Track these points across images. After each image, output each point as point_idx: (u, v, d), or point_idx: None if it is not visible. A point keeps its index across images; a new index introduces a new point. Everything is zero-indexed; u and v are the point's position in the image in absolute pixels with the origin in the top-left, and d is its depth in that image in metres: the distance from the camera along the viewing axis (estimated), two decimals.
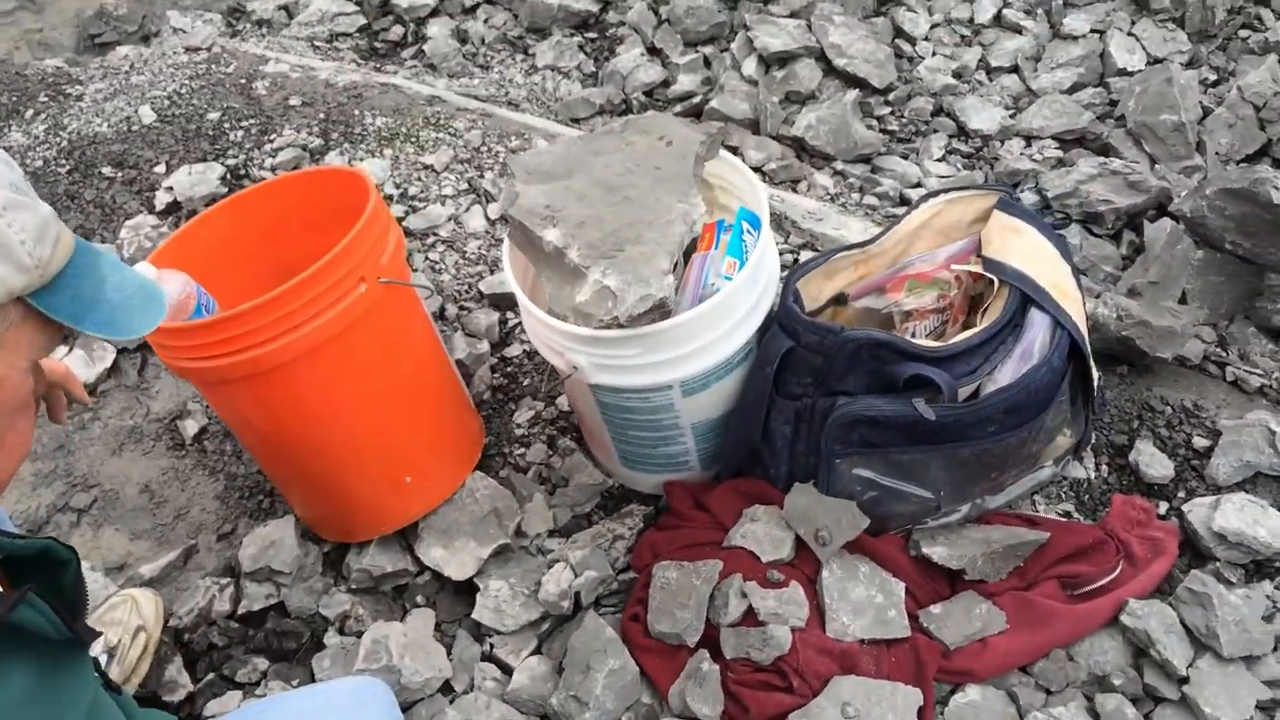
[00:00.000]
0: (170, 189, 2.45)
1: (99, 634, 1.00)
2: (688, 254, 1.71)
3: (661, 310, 1.50)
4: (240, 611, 1.75)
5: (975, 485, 1.66)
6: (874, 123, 2.92)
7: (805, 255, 2.29)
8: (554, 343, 1.60)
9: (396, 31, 3.51)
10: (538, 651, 1.69)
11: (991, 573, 1.65)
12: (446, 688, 1.65)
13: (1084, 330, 1.67)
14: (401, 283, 1.62)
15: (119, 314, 0.96)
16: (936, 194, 1.82)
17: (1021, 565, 1.67)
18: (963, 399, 1.57)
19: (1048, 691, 1.57)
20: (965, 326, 1.73)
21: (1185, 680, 1.54)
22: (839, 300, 1.79)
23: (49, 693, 0.89)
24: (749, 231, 1.67)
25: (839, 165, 2.79)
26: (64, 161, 2.63)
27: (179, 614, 1.73)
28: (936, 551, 1.64)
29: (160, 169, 2.57)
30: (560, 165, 1.71)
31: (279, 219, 1.80)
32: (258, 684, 1.67)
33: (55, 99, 2.89)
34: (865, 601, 1.60)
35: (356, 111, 2.69)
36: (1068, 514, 1.79)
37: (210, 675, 1.69)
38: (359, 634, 1.70)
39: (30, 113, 2.87)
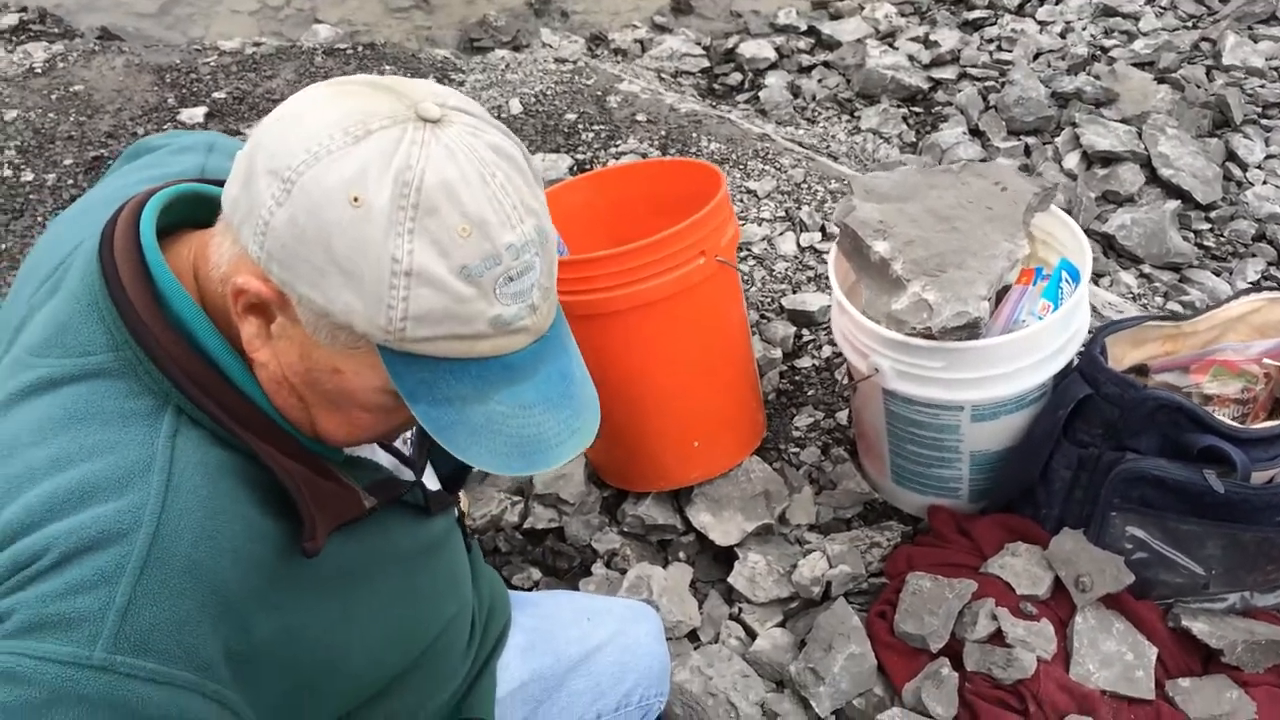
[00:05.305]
0: None
1: (454, 503, 1.18)
2: (1001, 294, 1.81)
3: (973, 329, 1.61)
4: (525, 526, 1.96)
5: (1249, 574, 1.65)
6: (1190, 235, 2.90)
7: None
8: (861, 343, 1.73)
9: (735, 78, 3.79)
10: (782, 625, 1.80)
11: (1250, 663, 1.62)
12: (693, 636, 1.79)
13: None
14: (733, 265, 1.80)
15: (462, 436, 0.77)
16: (1259, 289, 1.84)
17: None
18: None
19: None
20: None
21: None
22: (1140, 371, 1.83)
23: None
24: (1067, 281, 1.75)
25: (1146, 269, 2.79)
26: None
27: (474, 516, 1.96)
28: (1197, 626, 1.64)
29: None
30: (897, 190, 1.85)
31: (630, 198, 2.02)
32: (530, 590, 1.87)
33: (441, 81, 3.31)
34: (1114, 655, 1.62)
35: (694, 134, 2.94)
36: None
37: None
38: (622, 571, 1.87)
39: None
